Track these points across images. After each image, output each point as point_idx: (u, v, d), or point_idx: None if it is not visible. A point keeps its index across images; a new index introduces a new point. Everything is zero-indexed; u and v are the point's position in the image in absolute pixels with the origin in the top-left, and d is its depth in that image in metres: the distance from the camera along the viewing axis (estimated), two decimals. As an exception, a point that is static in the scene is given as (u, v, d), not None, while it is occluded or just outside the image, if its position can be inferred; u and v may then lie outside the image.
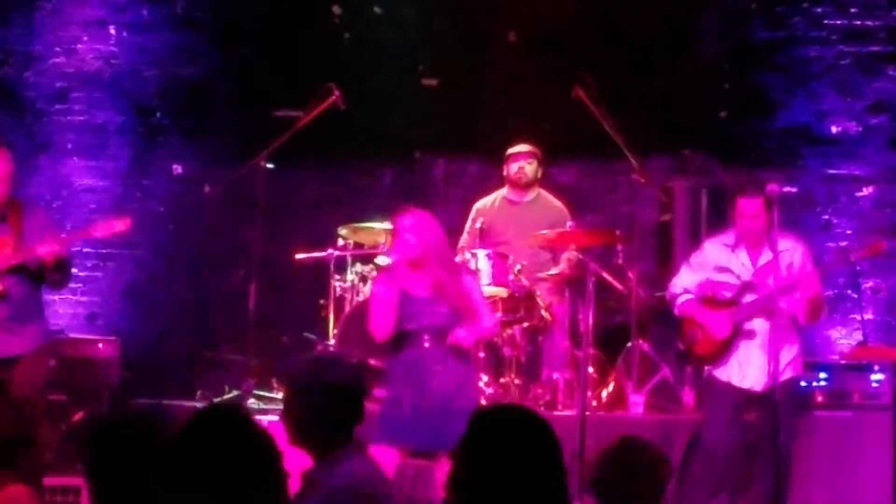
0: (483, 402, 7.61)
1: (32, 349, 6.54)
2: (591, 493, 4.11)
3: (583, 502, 6.87)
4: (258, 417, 3.88)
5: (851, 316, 8.75)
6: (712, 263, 6.81)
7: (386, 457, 6.11)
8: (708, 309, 6.76)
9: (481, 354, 7.82)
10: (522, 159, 8.44)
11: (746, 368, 6.68)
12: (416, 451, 6.37)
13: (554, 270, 8.19)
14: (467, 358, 6.49)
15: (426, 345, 6.35)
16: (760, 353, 6.64)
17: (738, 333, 6.69)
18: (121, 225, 6.62)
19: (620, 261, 8.14)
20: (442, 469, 6.23)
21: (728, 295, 6.74)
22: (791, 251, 6.69)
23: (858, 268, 8.59)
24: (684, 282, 6.89)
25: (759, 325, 6.67)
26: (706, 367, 6.94)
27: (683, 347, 7.08)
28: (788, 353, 6.63)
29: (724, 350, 6.71)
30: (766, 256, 6.68)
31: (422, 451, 6.36)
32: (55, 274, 6.48)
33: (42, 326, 6.74)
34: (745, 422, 6.76)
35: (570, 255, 8.13)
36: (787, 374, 6.58)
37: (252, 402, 8.00)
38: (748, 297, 6.69)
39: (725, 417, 6.75)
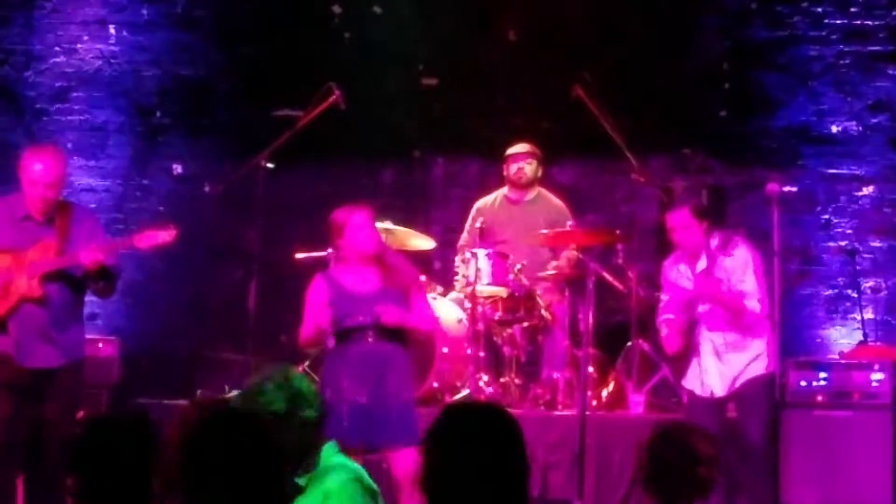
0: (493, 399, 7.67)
1: (69, 361, 6.29)
2: (646, 492, 3.94)
3: (583, 502, 6.88)
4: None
5: (851, 316, 8.75)
6: (669, 282, 6.92)
7: None
8: (666, 325, 6.86)
9: (481, 354, 7.82)
10: (521, 160, 8.44)
11: (705, 377, 6.76)
12: (363, 447, 6.25)
13: (552, 266, 8.18)
14: (404, 353, 6.43)
15: (370, 341, 6.29)
16: (714, 359, 6.74)
17: (690, 345, 6.78)
18: (165, 236, 6.35)
19: (620, 260, 8.13)
20: (397, 462, 6.20)
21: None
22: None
23: (859, 267, 8.60)
24: (664, 304, 6.99)
25: (704, 332, 6.77)
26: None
27: None
28: (746, 355, 6.70)
29: (682, 361, 6.83)
30: (701, 264, 6.73)
31: (366, 447, 6.20)
32: (98, 282, 6.30)
33: (81, 338, 6.49)
34: (728, 421, 6.79)
35: (569, 253, 8.14)
36: (752, 373, 6.68)
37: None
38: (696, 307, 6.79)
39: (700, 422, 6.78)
